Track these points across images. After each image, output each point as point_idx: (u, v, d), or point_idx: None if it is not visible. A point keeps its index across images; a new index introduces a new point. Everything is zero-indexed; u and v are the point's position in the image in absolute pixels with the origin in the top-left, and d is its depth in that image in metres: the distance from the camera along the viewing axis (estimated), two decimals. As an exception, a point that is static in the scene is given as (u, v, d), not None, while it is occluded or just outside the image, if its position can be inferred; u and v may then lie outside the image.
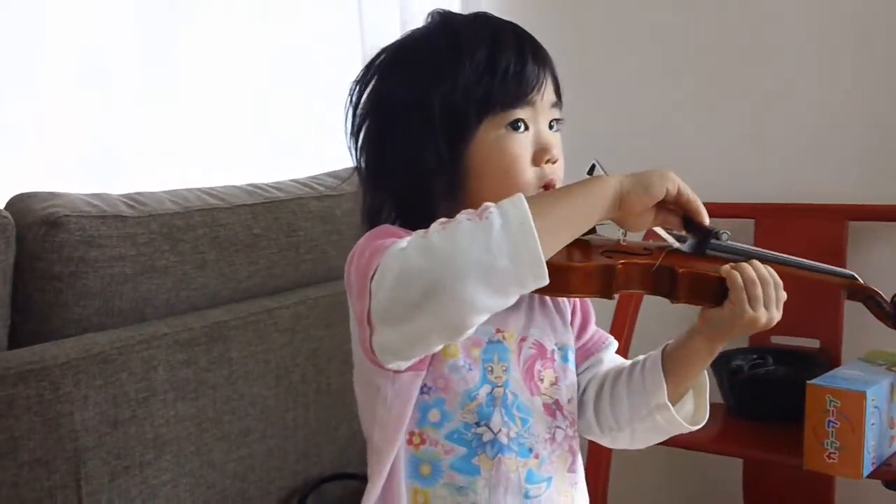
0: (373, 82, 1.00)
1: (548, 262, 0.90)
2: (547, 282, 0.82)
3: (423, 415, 0.94)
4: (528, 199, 0.83)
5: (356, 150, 1.01)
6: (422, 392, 0.93)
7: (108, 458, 1.21)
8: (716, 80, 2.11)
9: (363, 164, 1.01)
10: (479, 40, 0.95)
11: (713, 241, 0.95)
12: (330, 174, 1.65)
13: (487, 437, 0.94)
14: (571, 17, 2.25)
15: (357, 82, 1.02)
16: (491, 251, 0.80)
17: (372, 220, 1.00)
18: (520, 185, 0.95)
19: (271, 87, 1.86)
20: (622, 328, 1.80)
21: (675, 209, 0.93)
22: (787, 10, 2.02)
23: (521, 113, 0.96)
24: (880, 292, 1.09)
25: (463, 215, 0.83)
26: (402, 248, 0.83)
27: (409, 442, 0.94)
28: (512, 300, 0.84)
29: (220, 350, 1.35)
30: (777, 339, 1.92)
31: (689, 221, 0.93)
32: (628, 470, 1.99)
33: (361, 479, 1.49)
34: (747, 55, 2.07)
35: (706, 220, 0.93)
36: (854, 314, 1.87)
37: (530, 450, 0.97)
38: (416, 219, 0.93)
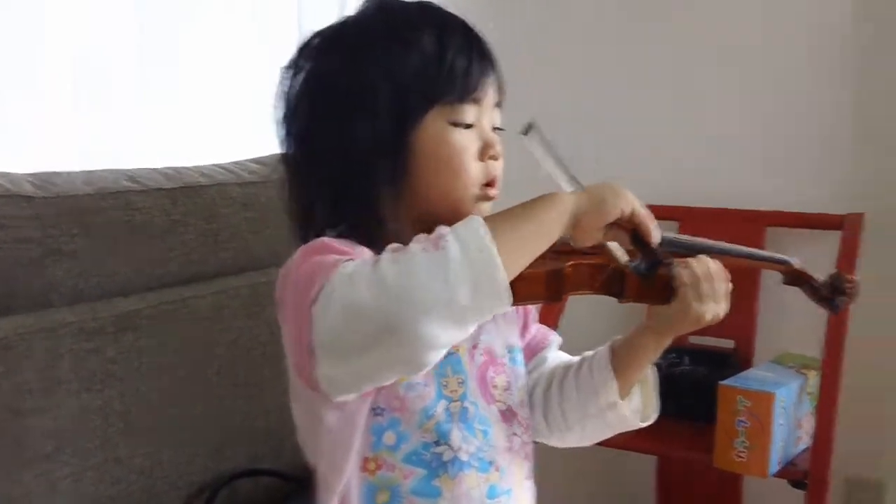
0: (307, 67, 0.95)
1: None
2: (510, 306, 0.79)
3: (377, 438, 0.90)
4: (486, 218, 0.80)
5: (286, 137, 0.96)
6: (374, 414, 0.89)
7: (7, 449, 1.15)
8: (642, 83, 2.13)
9: (294, 152, 0.96)
10: (425, 27, 0.93)
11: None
12: (255, 160, 1.60)
13: (448, 455, 0.91)
14: (505, 15, 2.24)
15: (289, 67, 0.97)
16: (450, 285, 0.75)
17: (304, 217, 0.95)
18: (466, 179, 0.93)
19: (199, 68, 1.80)
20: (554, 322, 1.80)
21: (626, 226, 0.90)
22: (714, 17, 2.05)
23: (468, 111, 0.93)
24: (815, 276, 1.11)
25: (416, 244, 0.79)
26: (348, 274, 0.78)
27: (364, 468, 0.90)
28: (472, 329, 0.81)
29: (129, 340, 1.29)
30: (694, 339, 1.96)
31: (637, 239, 0.91)
32: (538, 466, 2.00)
33: (275, 476, 1.47)
34: (675, 60, 2.10)
35: (656, 239, 0.90)
36: (768, 316, 1.92)
37: (491, 463, 0.94)
38: (354, 212, 0.90)
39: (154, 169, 1.43)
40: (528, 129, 0.95)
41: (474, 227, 0.78)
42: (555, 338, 1.11)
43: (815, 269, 1.76)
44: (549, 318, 1.78)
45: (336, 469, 0.89)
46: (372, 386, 0.86)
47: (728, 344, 1.95)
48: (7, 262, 1.18)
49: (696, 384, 1.79)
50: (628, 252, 0.92)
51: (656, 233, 0.90)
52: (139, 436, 1.31)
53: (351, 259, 0.81)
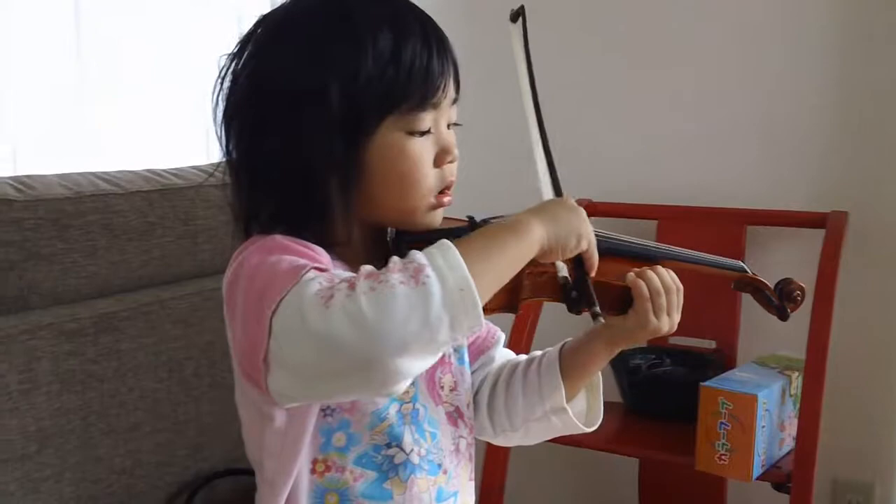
0: (252, 61, 0.89)
1: None
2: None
3: (326, 439, 0.88)
4: (461, 249, 0.77)
5: (228, 136, 0.90)
6: (323, 414, 0.87)
7: (-13, 450, 1.16)
8: (622, 81, 2.13)
9: (238, 155, 0.90)
10: (379, 23, 0.86)
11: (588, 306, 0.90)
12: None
13: (399, 458, 0.90)
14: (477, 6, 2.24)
15: (232, 57, 0.90)
16: (431, 325, 0.73)
17: (247, 218, 0.91)
18: (421, 190, 0.90)
19: (172, 67, 1.81)
20: (524, 327, 1.81)
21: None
22: (694, 13, 2.05)
23: (425, 118, 0.89)
24: (769, 284, 1.11)
25: (395, 274, 0.74)
26: (320, 297, 0.74)
27: (313, 470, 0.88)
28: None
29: (108, 341, 1.31)
30: (675, 340, 1.96)
31: (579, 265, 0.91)
32: (524, 468, 2.00)
33: (254, 475, 1.47)
34: (654, 57, 2.09)
35: (592, 272, 0.91)
36: (751, 316, 1.92)
37: (439, 465, 0.94)
38: (304, 218, 0.87)
39: (132, 171, 1.44)
40: (516, 17, 0.97)
41: (455, 263, 0.76)
42: (500, 335, 1.10)
43: (801, 267, 1.78)
44: (527, 317, 1.79)
45: (283, 471, 0.87)
46: (326, 403, 0.85)
47: (710, 344, 1.94)
48: (-14, 265, 1.19)
49: (678, 385, 1.79)
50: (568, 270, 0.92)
51: (595, 269, 0.91)
52: (119, 436, 1.33)
53: (311, 267, 0.79)
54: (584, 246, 0.88)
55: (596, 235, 1.02)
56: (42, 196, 1.27)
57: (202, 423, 1.45)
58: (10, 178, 1.29)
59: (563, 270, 0.91)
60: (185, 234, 1.44)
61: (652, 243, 1.07)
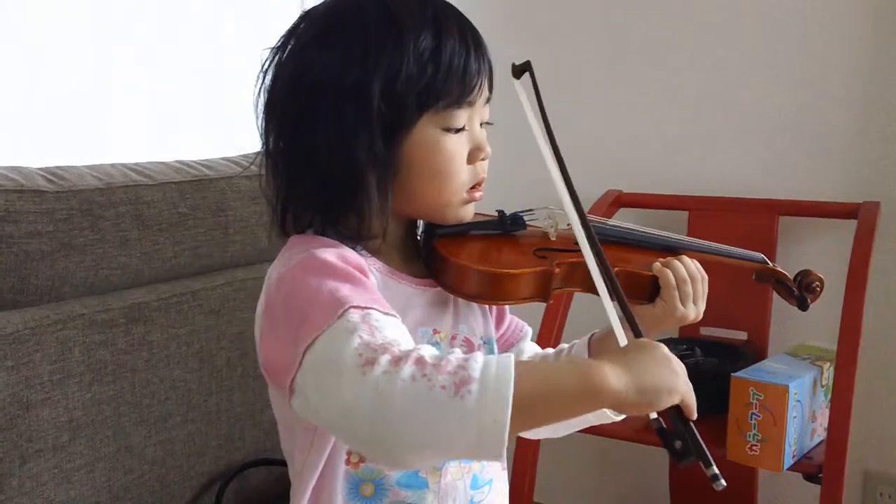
0: (296, 56, 0.90)
1: (480, 270, 0.89)
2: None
3: None
4: (520, 373, 0.72)
5: (268, 129, 0.91)
6: None
7: (20, 440, 1.17)
8: (654, 75, 2.12)
9: (278, 147, 0.91)
10: (421, 23, 0.87)
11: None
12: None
13: None
14: (513, 7, 2.24)
15: (275, 51, 0.91)
16: (450, 440, 0.71)
17: (286, 214, 0.92)
18: (454, 185, 0.91)
19: (206, 60, 1.81)
20: (554, 320, 1.80)
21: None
22: (724, 7, 2.04)
23: (461, 115, 0.90)
24: (789, 275, 1.13)
25: (442, 375, 0.71)
26: (358, 354, 0.73)
27: (348, 461, 0.89)
28: None
29: (140, 332, 1.31)
30: (706, 331, 1.95)
31: (678, 418, 0.80)
32: (556, 460, 2.00)
33: (285, 465, 1.48)
34: (685, 51, 2.08)
35: (694, 416, 0.80)
36: (782, 307, 1.90)
37: None
38: (342, 211, 0.88)
39: (163, 163, 1.45)
40: (520, 72, 0.93)
41: (503, 392, 0.71)
42: (528, 329, 1.11)
43: (832, 257, 1.76)
44: (557, 308, 1.78)
45: (312, 463, 0.88)
46: None
47: (741, 335, 1.93)
48: (19, 257, 1.20)
49: (709, 376, 1.78)
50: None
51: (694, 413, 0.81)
52: (151, 426, 1.33)
53: (351, 306, 0.77)
54: (675, 401, 0.79)
55: (609, 228, 1.03)
56: (74, 187, 1.28)
57: (234, 413, 1.45)
58: (42, 169, 1.29)
59: (653, 412, 0.81)
60: (216, 226, 1.44)
61: (674, 235, 1.08)
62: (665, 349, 0.81)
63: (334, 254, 0.84)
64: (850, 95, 1.93)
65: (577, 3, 2.18)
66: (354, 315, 0.77)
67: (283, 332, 0.81)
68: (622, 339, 0.86)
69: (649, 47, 2.11)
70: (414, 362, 0.72)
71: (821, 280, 1.13)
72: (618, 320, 0.87)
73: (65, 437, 1.22)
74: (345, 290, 0.79)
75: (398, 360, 0.72)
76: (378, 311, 0.79)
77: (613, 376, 0.75)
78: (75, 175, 1.30)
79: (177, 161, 1.47)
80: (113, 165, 1.38)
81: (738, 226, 1.90)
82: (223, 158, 1.55)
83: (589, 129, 2.14)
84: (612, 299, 0.88)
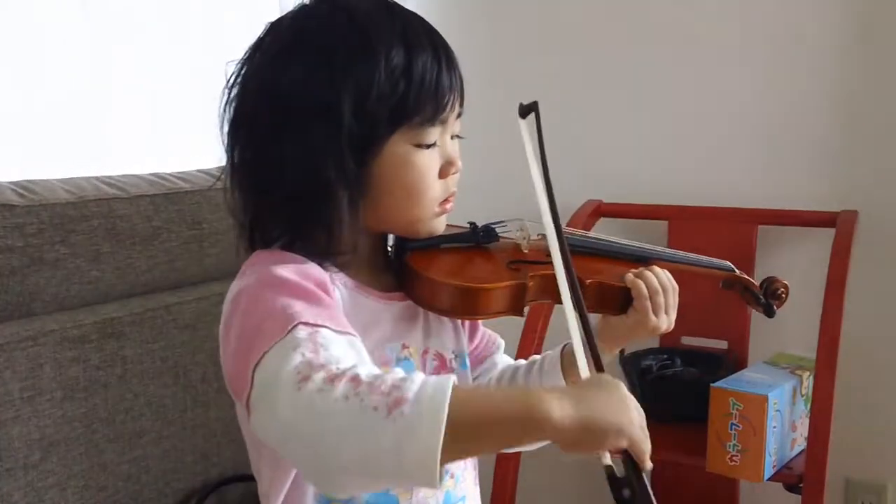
0: (262, 70, 0.88)
1: (453, 285, 0.88)
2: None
3: None
4: (457, 399, 0.68)
5: (234, 144, 0.89)
6: None
7: (-10, 459, 1.15)
8: (632, 83, 2.12)
9: (245, 163, 0.89)
10: (391, 37, 0.85)
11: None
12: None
13: None
14: (488, 13, 2.24)
15: (242, 64, 0.89)
16: (379, 462, 0.69)
17: (251, 224, 0.91)
18: (426, 200, 0.90)
19: (181, 70, 1.79)
20: (534, 331, 1.79)
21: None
22: (701, 15, 2.04)
23: (433, 132, 0.88)
24: (755, 283, 1.15)
25: (375, 396, 0.69)
26: (296, 371, 0.71)
27: None
28: None
29: (113, 347, 1.29)
30: (686, 340, 1.95)
31: (629, 465, 0.77)
32: (536, 471, 1.99)
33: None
34: (665, 62, 2.08)
35: (647, 466, 0.77)
36: (762, 316, 1.90)
37: (446, 470, 0.90)
38: (311, 228, 0.86)
39: (137, 175, 1.43)
40: (527, 112, 0.94)
41: (435, 419, 0.67)
42: (500, 341, 1.11)
43: (811, 266, 1.76)
44: (538, 321, 1.77)
45: (278, 482, 0.87)
46: None
47: (721, 344, 1.93)
48: (-11, 272, 1.18)
49: (689, 385, 1.78)
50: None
51: (648, 461, 0.77)
52: (125, 443, 1.31)
53: (300, 322, 0.76)
54: (622, 444, 0.75)
55: (580, 239, 1.03)
56: (44, 201, 1.26)
57: (210, 429, 1.43)
58: (12, 182, 1.27)
59: (607, 458, 0.77)
60: (192, 239, 1.43)
61: (647, 246, 1.10)
62: (625, 391, 0.76)
63: (294, 270, 0.83)
64: (829, 106, 1.94)
65: (557, 13, 2.18)
66: (302, 332, 0.75)
67: (238, 350, 0.80)
68: (584, 371, 0.83)
69: (629, 57, 2.11)
70: (348, 380, 0.70)
71: (786, 287, 1.16)
72: (582, 353, 0.84)
73: (36, 455, 1.20)
74: (297, 306, 0.78)
75: (332, 379, 0.70)
76: (329, 329, 0.77)
77: (557, 408, 0.71)
78: (46, 188, 1.28)
79: (151, 174, 1.46)
80: (86, 179, 1.36)
81: (717, 235, 1.90)
82: (199, 170, 1.53)
83: (568, 138, 2.13)
84: (580, 329, 0.86)
